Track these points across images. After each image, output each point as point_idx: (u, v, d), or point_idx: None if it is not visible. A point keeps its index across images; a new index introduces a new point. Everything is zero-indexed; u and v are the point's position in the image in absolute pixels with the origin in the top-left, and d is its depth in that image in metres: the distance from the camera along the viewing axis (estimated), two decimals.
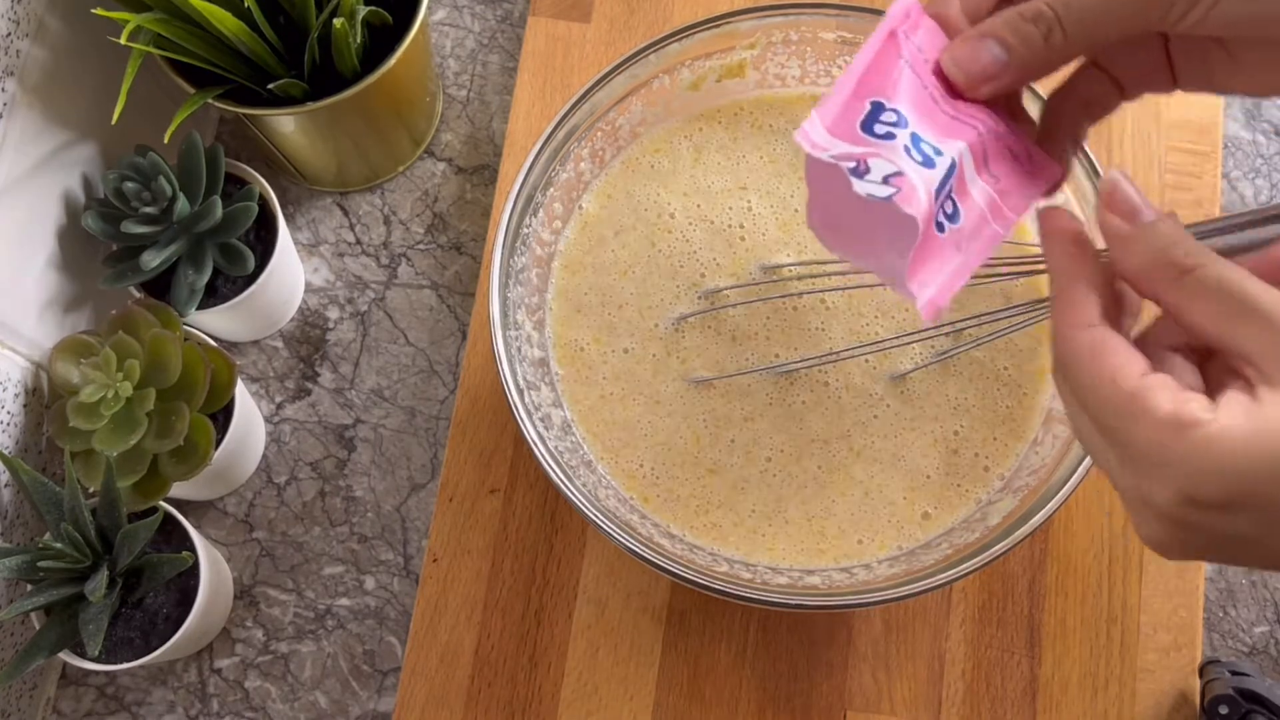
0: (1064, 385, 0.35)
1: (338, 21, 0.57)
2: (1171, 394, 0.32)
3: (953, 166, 0.35)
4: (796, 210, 0.62)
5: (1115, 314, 0.36)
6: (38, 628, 0.55)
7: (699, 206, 0.62)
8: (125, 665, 0.56)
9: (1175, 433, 0.31)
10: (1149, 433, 0.32)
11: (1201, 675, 0.60)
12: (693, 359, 0.60)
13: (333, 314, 0.69)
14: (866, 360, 0.59)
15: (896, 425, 0.58)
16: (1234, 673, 0.58)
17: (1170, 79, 0.39)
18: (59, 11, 0.58)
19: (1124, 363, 0.33)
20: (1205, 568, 0.62)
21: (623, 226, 0.62)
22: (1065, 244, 0.36)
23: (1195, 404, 0.32)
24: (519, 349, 0.56)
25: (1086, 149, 0.56)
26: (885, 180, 0.34)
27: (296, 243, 0.70)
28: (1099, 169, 0.56)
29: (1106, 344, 0.34)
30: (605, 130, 0.61)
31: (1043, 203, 0.38)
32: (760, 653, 0.60)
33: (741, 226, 0.61)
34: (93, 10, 0.56)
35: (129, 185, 0.58)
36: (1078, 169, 0.57)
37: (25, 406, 0.58)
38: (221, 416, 0.60)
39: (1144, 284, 0.35)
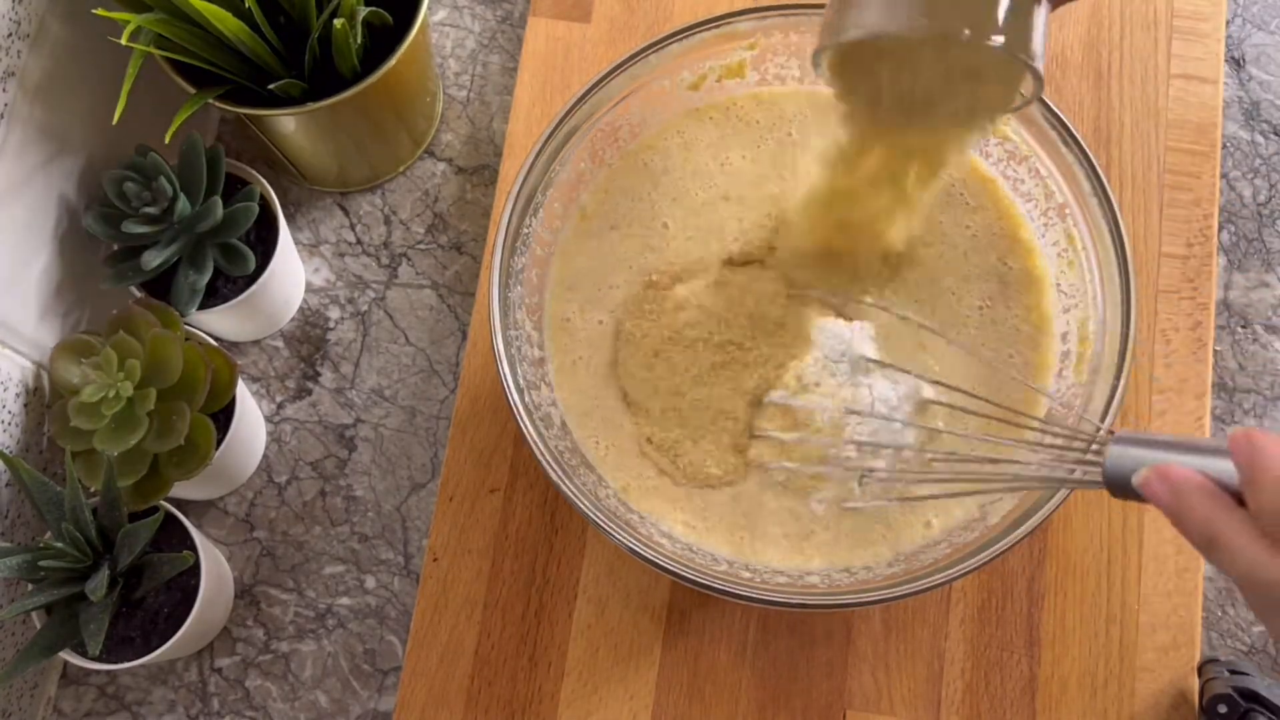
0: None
1: (338, 22, 0.57)
2: None
3: None
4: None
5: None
6: (38, 627, 0.55)
7: (686, 207, 0.62)
8: (126, 664, 0.56)
9: None
10: None
11: (1200, 674, 0.60)
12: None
13: (333, 314, 0.69)
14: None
15: None
16: (1233, 671, 0.58)
17: None
18: (60, 12, 0.58)
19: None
20: (1204, 566, 0.62)
21: (618, 223, 0.62)
22: (1199, 493, 0.38)
23: None
24: (519, 349, 0.57)
25: (1087, 151, 0.56)
26: None
27: (297, 243, 0.70)
28: (1099, 170, 0.56)
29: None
30: (605, 130, 0.61)
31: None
32: (760, 652, 0.61)
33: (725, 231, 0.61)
34: (93, 11, 0.56)
35: (130, 185, 0.59)
36: (1077, 170, 0.57)
37: (26, 406, 0.59)
38: (222, 416, 0.60)
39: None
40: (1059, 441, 0.49)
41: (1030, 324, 0.59)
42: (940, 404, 0.55)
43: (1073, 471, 0.46)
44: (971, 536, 0.54)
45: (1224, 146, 0.71)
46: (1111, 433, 0.42)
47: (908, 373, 0.54)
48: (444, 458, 0.64)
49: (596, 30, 0.71)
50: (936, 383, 0.55)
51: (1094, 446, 0.44)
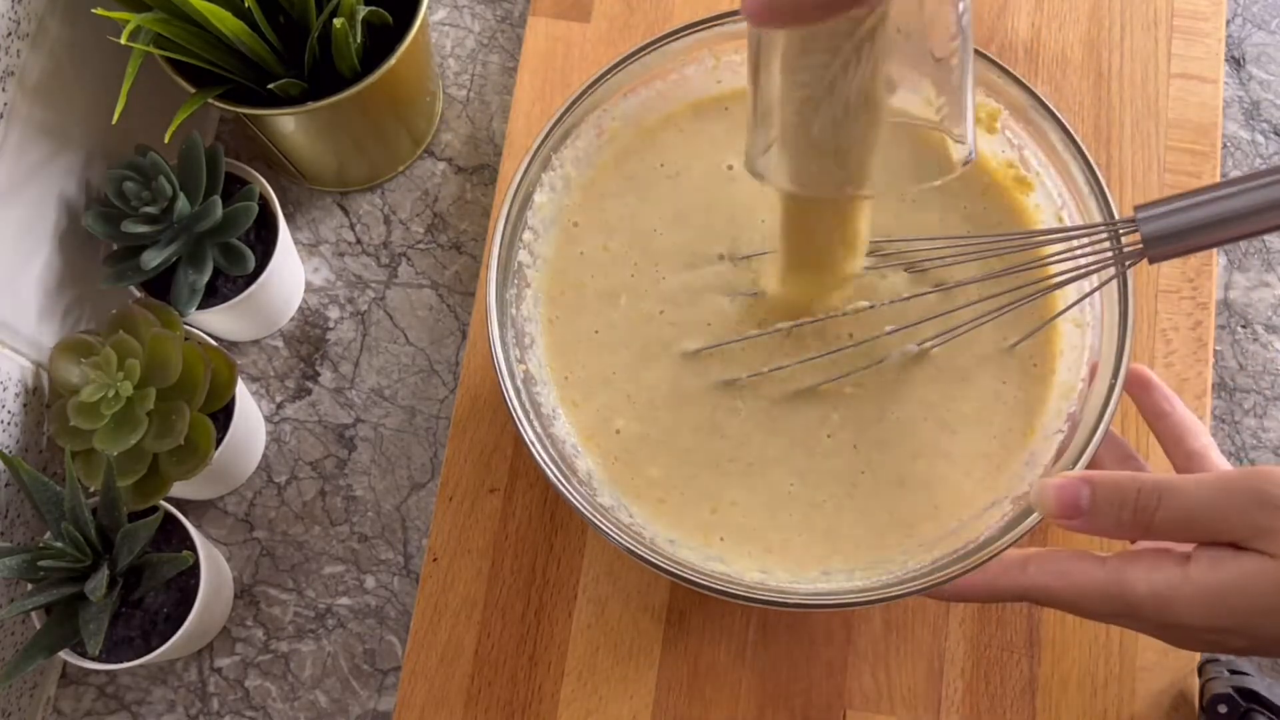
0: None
1: (338, 21, 0.57)
2: (1145, 572, 0.44)
3: None
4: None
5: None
6: (38, 627, 0.55)
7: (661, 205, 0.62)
8: (125, 664, 0.56)
9: (1160, 604, 0.44)
10: (1145, 614, 0.44)
11: (1200, 674, 0.60)
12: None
13: (333, 313, 0.69)
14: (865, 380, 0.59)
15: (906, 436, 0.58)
16: (1233, 671, 0.58)
17: None
18: (59, 12, 0.58)
19: (1088, 568, 0.46)
20: None
21: (610, 229, 0.62)
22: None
23: (1160, 575, 0.44)
24: (517, 350, 0.56)
25: (1086, 151, 0.56)
26: None
27: (297, 242, 0.70)
28: (1100, 175, 0.56)
29: (1064, 567, 0.47)
30: (603, 130, 0.60)
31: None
32: (760, 652, 0.61)
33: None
34: (93, 10, 0.56)
35: (129, 185, 0.59)
36: (1076, 170, 0.57)
37: (25, 406, 0.59)
38: (222, 416, 0.60)
39: (1119, 535, 0.45)
40: (1085, 241, 0.51)
41: (1032, 356, 0.59)
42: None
43: (1111, 252, 0.49)
44: (971, 536, 0.54)
45: (1224, 146, 0.71)
46: (1135, 209, 0.45)
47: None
48: (444, 458, 0.64)
49: (596, 30, 0.71)
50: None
51: (1122, 229, 0.47)
